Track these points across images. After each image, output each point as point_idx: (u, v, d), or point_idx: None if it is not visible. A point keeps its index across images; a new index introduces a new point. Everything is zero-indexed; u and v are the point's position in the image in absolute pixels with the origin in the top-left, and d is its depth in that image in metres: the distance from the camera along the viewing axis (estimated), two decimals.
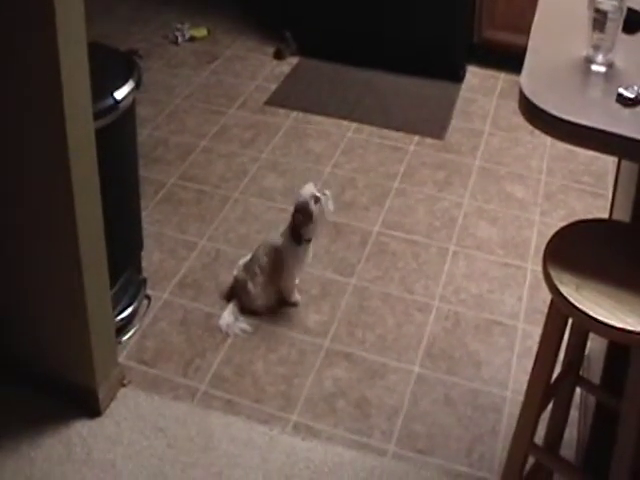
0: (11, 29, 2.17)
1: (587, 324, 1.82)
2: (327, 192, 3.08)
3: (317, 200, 3.03)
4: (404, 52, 4.67)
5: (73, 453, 2.61)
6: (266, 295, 3.12)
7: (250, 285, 3.09)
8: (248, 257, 3.18)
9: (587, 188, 3.88)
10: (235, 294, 3.16)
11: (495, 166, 4.00)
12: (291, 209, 3.09)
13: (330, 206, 3.07)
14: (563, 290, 1.84)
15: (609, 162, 3.96)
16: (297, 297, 3.18)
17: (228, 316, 3.08)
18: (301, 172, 3.89)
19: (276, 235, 3.13)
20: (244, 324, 3.08)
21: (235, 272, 3.18)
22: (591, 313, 1.79)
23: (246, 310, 3.12)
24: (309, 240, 3.09)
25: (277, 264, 3.09)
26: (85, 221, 2.45)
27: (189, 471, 2.58)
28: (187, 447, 2.65)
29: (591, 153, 3.76)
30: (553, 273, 1.87)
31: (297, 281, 3.19)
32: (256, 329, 3.08)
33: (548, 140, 4.07)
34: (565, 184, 3.90)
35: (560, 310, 1.90)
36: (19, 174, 2.43)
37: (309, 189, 3.06)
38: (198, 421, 2.73)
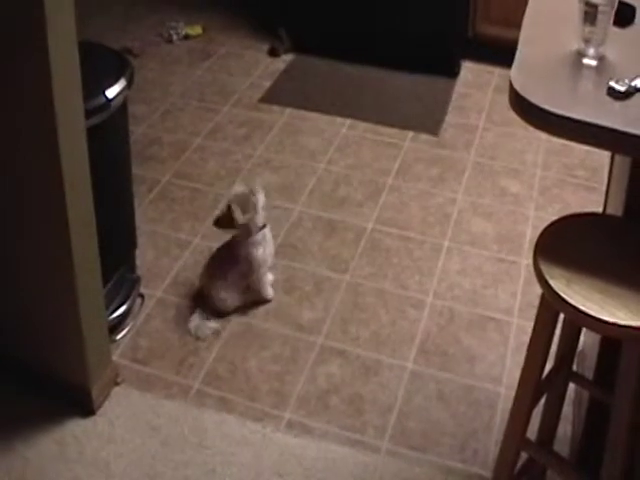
0: (1, 27, 2.16)
1: (578, 319, 1.82)
2: (257, 190, 3.09)
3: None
4: (398, 48, 4.66)
5: (66, 452, 2.61)
6: (230, 296, 3.08)
7: (214, 291, 3.07)
8: (209, 262, 3.16)
9: (582, 182, 3.87)
10: (201, 297, 3.15)
11: (490, 161, 4.00)
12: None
13: (261, 201, 3.08)
14: (554, 285, 1.83)
15: (604, 156, 3.94)
16: (270, 292, 3.17)
17: (197, 318, 3.07)
18: (295, 169, 3.89)
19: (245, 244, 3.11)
20: (213, 323, 3.06)
21: (200, 273, 3.17)
22: (582, 308, 1.78)
23: (214, 312, 3.10)
24: (264, 226, 3.09)
25: (243, 265, 3.08)
26: (77, 219, 2.44)
27: (182, 469, 2.57)
28: (180, 445, 2.64)
29: (586, 147, 3.72)
30: (544, 268, 1.87)
31: (270, 277, 3.19)
32: (249, 326, 3.07)
33: (543, 135, 4.06)
34: (560, 178, 3.90)
35: (551, 305, 1.89)
36: (9, 173, 2.42)
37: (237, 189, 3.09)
38: (191, 419, 2.73)
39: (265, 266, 3.12)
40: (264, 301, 3.16)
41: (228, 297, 3.08)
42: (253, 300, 3.15)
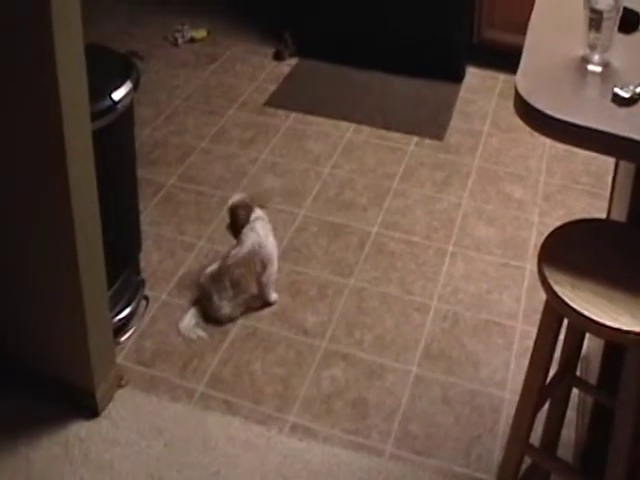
0: (8, 30, 2.18)
1: (582, 324, 1.82)
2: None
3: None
4: (403, 53, 4.66)
5: (71, 454, 2.61)
6: (231, 307, 3.09)
7: (215, 297, 3.07)
8: (215, 266, 3.15)
9: (586, 188, 3.88)
10: (199, 301, 3.15)
11: (494, 166, 4.00)
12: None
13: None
14: (558, 290, 1.84)
15: (609, 162, 3.93)
16: (275, 295, 3.18)
17: (188, 320, 3.08)
18: (300, 173, 3.90)
19: (252, 238, 3.11)
20: (201, 331, 3.06)
21: (202, 280, 3.16)
22: (586, 313, 1.79)
23: (209, 318, 3.11)
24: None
25: (255, 268, 3.09)
26: (82, 222, 2.45)
27: (186, 472, 2.58)
28: (185, 448, 2.65)
29: (590, 153, 3.72)
30: (548, 273, 1.87)
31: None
32: (253, 330, 3.08)
33: (547, 140, 4.07)
34: (564, 184, 3.90)
35: (555, 310, 1.89)
36: (16, 175, 2.43)
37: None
38: (196, 422, 2.73)
39: (274, 263, 3.14)
40: (268, 304, 3.17)
41: (230, 308, 3.08)
42: (256, 307, 3.15)
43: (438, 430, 2.75)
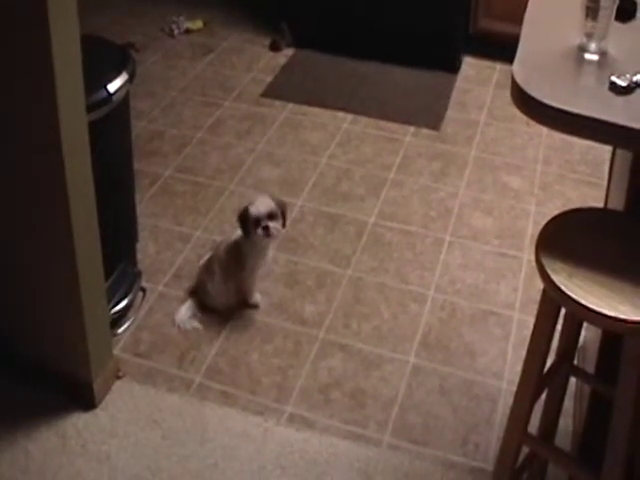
0: (4, 21, 2.17)
1: (579, 313, 1.82)
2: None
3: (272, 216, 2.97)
4: (400, 43, 4.66)
5: (68, 445, 2.61)
6: (225, 294, 3.08)
7: (210, 285, 3.07)
8: (207, 257, 3.15)
9: (583, 178, 3.87)
10: (196, 292, 3.15)
11: (491, 156, 4.00)
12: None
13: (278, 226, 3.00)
14: (555, 278, 1.83)
15: (605, 151, 3.94)
16: (257, 298, 3.14)
17: (185, 312, 3.07)
18: (297, 163, 3.89)
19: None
20: (196, 322, 3.05)
21: (197, 272, 3.16)
22: (583, 302, 1.78)
23: (206, 308, 3.10)
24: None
25: (237, 259, 3.06)
26: (79, 214, 2.44)
27: (184, 463, 2.58)
28: (182, 439, 2.65)
29: (587, 142, 3.75)
30: (545, 261, 1.87)
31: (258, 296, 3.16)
32: (251, 320, 3.08)
33: (544, 130, 4.07)
34: (561, 174, 3.90)
35: (552, 299, 1.89)
36: (13, 168, 2.43)
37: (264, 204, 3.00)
38: (193, 413, 2.73)
39: (260, 269, 3.11)
40: (252, 306, 3.13)
41: (224, 295, 3.08)
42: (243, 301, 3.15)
43: (435, 420, 2.75)
